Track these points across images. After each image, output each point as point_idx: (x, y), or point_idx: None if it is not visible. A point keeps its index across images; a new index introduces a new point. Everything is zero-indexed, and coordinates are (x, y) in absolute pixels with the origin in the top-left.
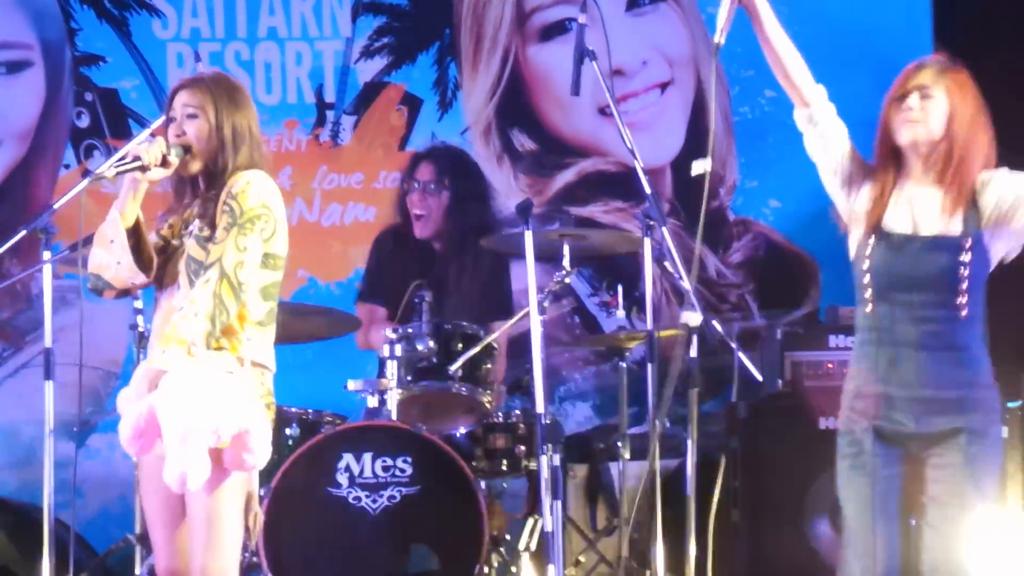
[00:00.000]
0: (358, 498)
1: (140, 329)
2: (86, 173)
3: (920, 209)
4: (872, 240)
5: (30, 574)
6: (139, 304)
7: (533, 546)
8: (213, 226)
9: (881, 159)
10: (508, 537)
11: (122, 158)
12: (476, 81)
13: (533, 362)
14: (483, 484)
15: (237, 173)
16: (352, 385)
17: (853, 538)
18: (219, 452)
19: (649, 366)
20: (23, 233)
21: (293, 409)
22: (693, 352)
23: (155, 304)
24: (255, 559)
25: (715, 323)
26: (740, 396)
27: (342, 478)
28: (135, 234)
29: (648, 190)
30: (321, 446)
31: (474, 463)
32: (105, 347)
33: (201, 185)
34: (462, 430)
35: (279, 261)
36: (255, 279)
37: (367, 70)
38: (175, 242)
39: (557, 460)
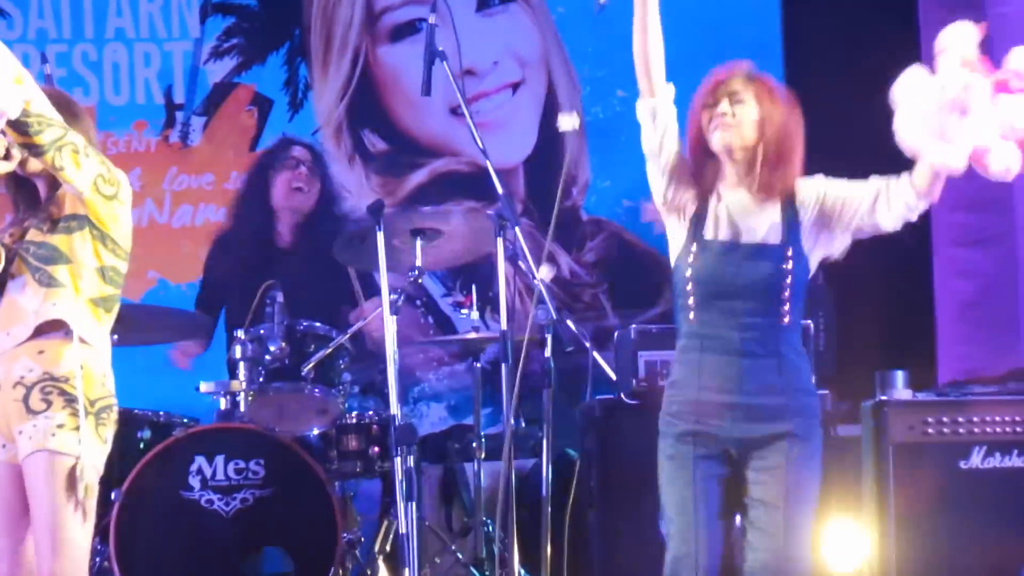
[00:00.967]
0: (211, 501)
1: None
2: None
3: (740, 216)
4: (694, 248)
5: None
6: None
7: (388, 548)
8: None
9: (697, 165)
10: (363, 539)
11: None
12: (327, 82)
13: (387, 363)
14: (337, 486)
15: None
16: (204, 387)
17: (675, 538)
18: None
19: (503, 366)
20: None
21: (144, 412)
22: (547, 352)
23: None
24: (106, 564)
25: (569, 322)
26: (594, 395)
27: (194, 481)
28: None
29: (500, 190)
30: (173, 449)
31: (327, 465)
32: None
33: (41, 192)
34: (315, 431)
35: (121, 250)
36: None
37: (216, 71)
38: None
39: (411, 461)
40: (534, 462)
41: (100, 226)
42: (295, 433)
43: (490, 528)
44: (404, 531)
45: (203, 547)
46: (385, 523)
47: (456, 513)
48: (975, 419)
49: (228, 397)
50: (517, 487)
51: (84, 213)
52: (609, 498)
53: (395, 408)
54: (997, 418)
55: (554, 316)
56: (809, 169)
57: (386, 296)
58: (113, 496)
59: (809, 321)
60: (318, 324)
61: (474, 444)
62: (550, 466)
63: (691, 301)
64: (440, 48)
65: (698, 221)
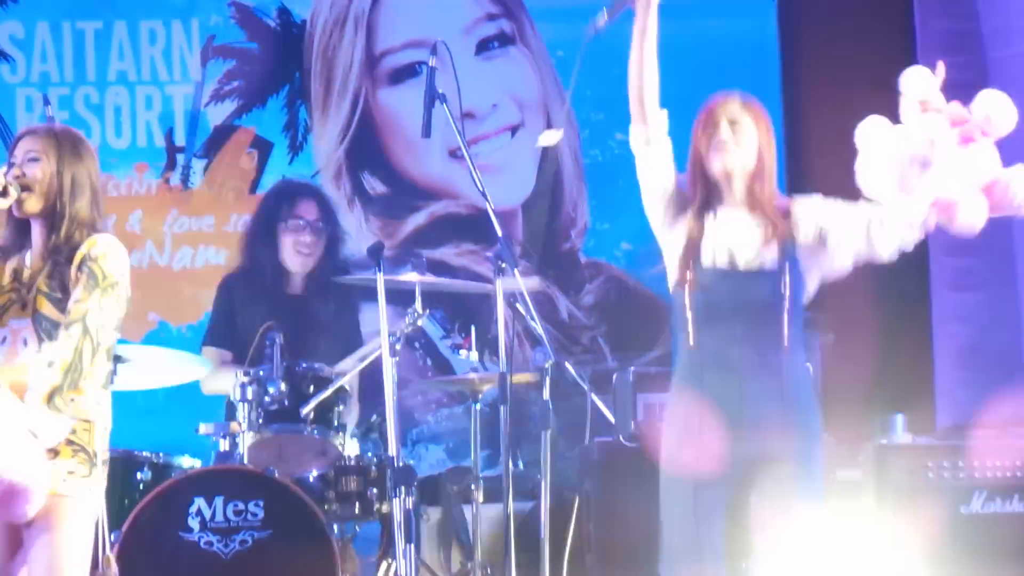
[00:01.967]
0: (210, 543)
1: None
2: None
3: (737, 239)
4: (692, 273)
5: None
6: None
7: None
8: (64, 288)
9: (694, 190)
10: None
11: None
12: (326, 124)
13: (386, 404)
14: (336, 527)
15: (91, 238)
16: (204, 429)
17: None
18: None
19: (502, 408)
20: None
21: (144, 453)
22: (546, 394)
23: None
24: None
25: (568, 365)
26: (592, 437)
27: (194, 522)
28: None
29: (500, 232)
30: (172, 490)
31: (327, 506)
32: None
33: (39, 235)
34: (314, 473)
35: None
36: (109, 342)
37: (217, 113)
38: (10, 294)
39: (410, 503)
40: (532, 504)
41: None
42: (294, 474)
43: (488, 571)
44: (403, 573)
45: None
46: (384, 565)
47: (455, 555)
48: (975, 464)
49: (227, 438)
50: (516, 529)
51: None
52: (607, 541)
53: (394, 450)
54: (998, 463)
55: (553, 358)
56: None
57: (385, 338)
58: (112, 537)
59: (808, 364)
60: (317, 365)
61: (472, 486)
62: (548, 509)
63: (690, 326)
64: (440, 91)
65: (695, 246)
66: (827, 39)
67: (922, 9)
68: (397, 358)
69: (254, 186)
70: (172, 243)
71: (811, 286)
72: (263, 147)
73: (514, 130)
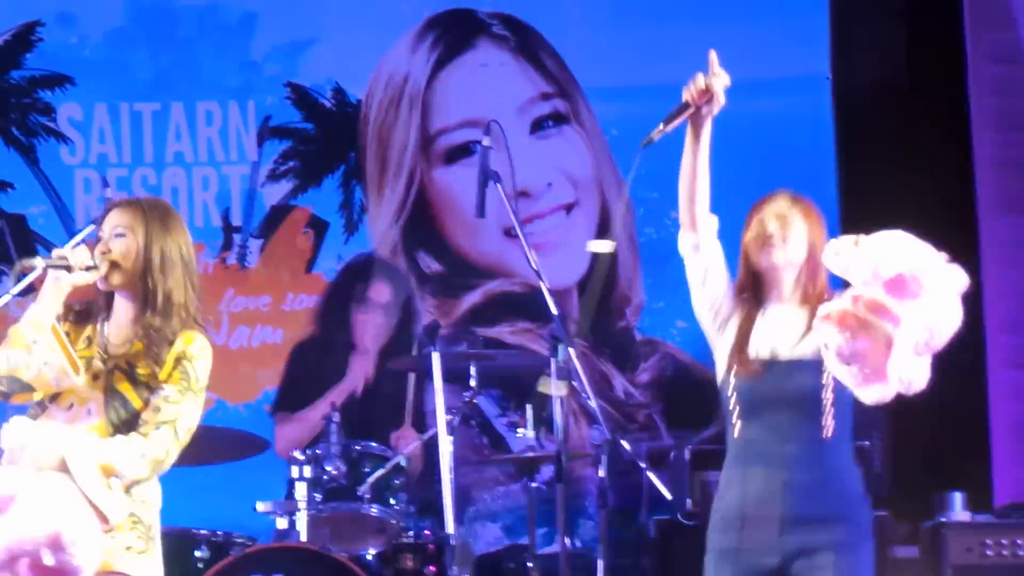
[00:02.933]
0: None
1: None
2: None
3: (781, 332)
4: (738, 365)
5: None
6: None
7: None
8: (153, 373)
9: (743, 285)
10: None
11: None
12: (382, 204)
13: (442, 482)
14: None
15: (189, 333)
16: (261, 507)
17: None
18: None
19: (558, 486)
20: None
21: (202, 531)
22: (602, 472)
23: (38, 408)
24: None
25: (624, 443)
26: (650, 515)
27: None
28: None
29: (555, 311)
30: (231, 568)
31: None
32: None
33: (124, 309)
34: (372, 551)
35: None
36: (188, 441)
37: (273, 193)
38: (95, 362)
39: None
40: None
41: None
42: (352, 552)
43: None
44: None
45: None
46: None
47: None
48: None
49: (286, 516)
50: None
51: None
52: None
53: (451, 527)
54: None
55: (609, 436)
56: None
57: (442, 416)
58: None
59: (866, 442)
60: (374, 444)
61: (529, 564)
62: None
63: (736, 417)
64: (494, 170)
65: (742, 339)
66: (882, 117)
67: (976, 88)
68: (453, 436)
69: (310, 265)
70: (229, 322)
71: None
72: (319, 226)
73: (568, 208)
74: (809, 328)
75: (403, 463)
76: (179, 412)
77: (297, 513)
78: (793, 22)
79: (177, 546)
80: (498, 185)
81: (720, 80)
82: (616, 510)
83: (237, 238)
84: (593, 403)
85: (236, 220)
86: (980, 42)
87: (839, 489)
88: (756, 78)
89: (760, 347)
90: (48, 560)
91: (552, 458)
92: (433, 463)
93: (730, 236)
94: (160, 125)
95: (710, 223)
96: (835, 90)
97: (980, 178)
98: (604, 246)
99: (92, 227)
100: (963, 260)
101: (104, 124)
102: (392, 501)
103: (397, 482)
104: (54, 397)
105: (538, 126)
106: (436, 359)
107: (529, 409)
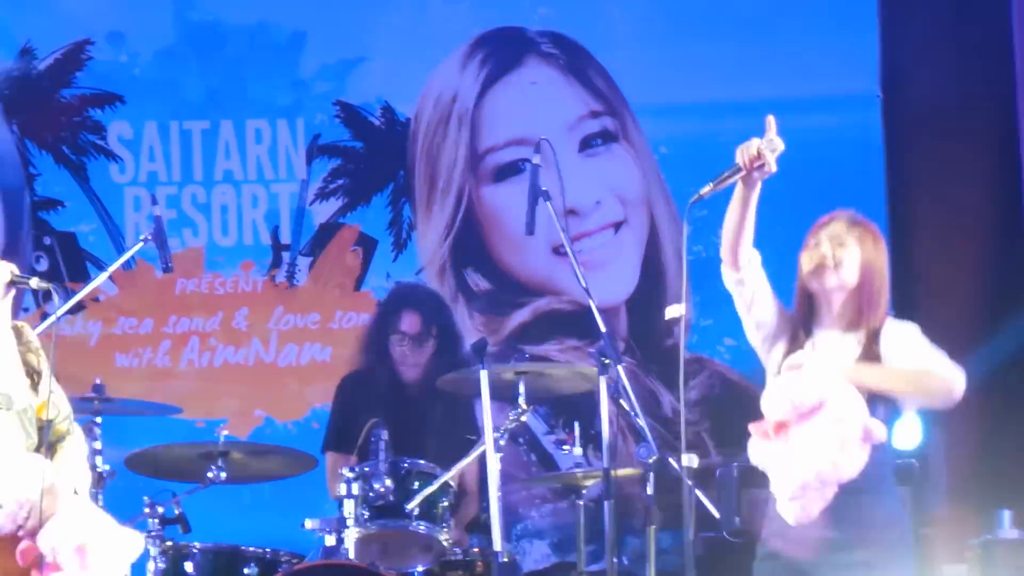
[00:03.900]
0: None
1: (99, 470)
2: (44, 316)
3: (830, 357)
4: None
5: None
6: (98, 445)
7: None
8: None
9: (798, 308)
10: None
11: None
12: (430, 222)
13: (490, 500)
14: None
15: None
16: (309, 524)
17: None
18: None
19: (606, 504)
20: None
21: (251, 548)
22: (650, 490)
23: None
24: None
25: (671, 460)
26: (698, 532)
27: None
28: None
29: (603, 328)
30: None
31: None
32: None
33: None
34: (420, 568)
35: None
36: None
37: (322, 211)
38: None
39: None
40: None
41: None
42: (400, 570)
43: None
44: None
45: None
46: None
47: None
48: None
49: (334, 534)
50: None
51: None
52: None
53: (498, 545)
54: None
55: (657, 454)
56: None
57: (489, 434)
58: None
59: (914, 460)
60: (422, 462)
61: None
62: None
63: None
64: (543, 188)
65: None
66: (932, 134)
67: None
68: (501, 454)
69: (359, 283)
70: (278, 340)
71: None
72: (368, 244)
73: (617, 226)
74: (863, 354)
75: (451, 482)
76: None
77: (345, 530)
78: (843, 40)
79: (226, 563)
80: (547, 203)
81: (774, 148)
82: (663, 528)
83: (286, 256)
84: (641, 421)
85: (285, 238)
86: None
87: (879, 510)
88: (806, 96)
89: None
90: None
91: (599, 476)
92: (481, 481)
93: (781, 255)
94: (209, 143)
95: (753, 259)
96: (885, 108)
97: None
98: (677, 311)
99: (141, 244)
100: (1014, 278)
101: (154, 142)
102: (440, 518)
103: (445, 500)
104: None
105: (587, 144)
106: (484, 377)
107: (577, 427)
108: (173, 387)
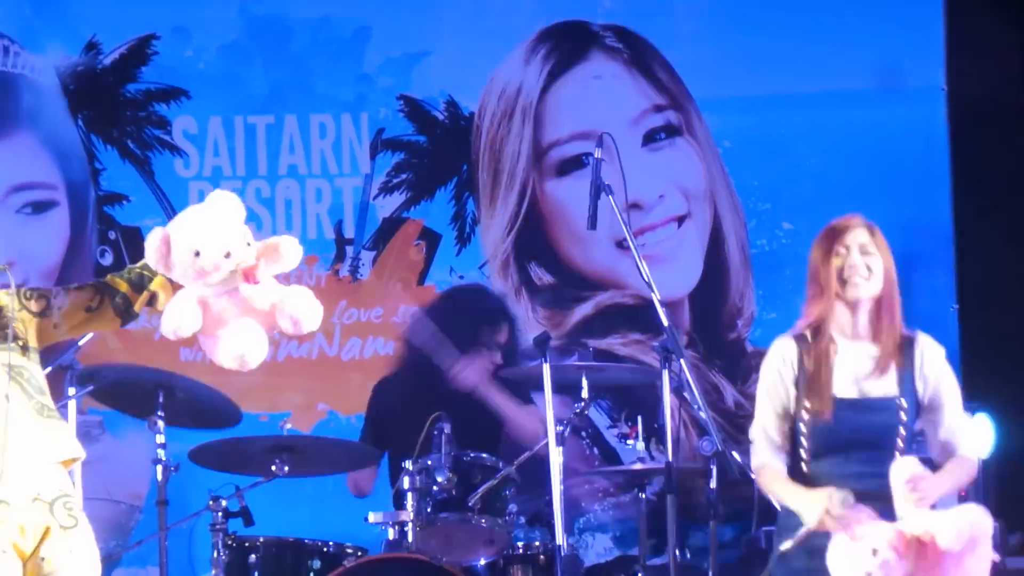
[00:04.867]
0: None
1: (164, 462)
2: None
3: (858, 369)
4: (810, 402)
5: None
6: (161, 439)
7: None
8: None
9: (822, 314)
10: None
11: None
12: (494, 216)
13: (552, 493)
14: None
15: None
16: (373, 517)
17: None
18: None
19: (668, 498)
20: (48, 370)
21: (314, 542)
22: (713, 483)
23: None
24: None
25: (735, 454)
26: (760, 526)
27: None
28: None
29: (666, 322)
30: None
31: None
32: (128, 481)
33: None
34: (482, 561)
35: None
36: None
37: (386, 206)
38: None
39: None
40: None
41: None
42: (462, 563)
43: None
44: None
45: None
46: None
47: None
48: None
49: (396, 527)
50: None
51: None
52: None
53: (561, 538)
54: None
55: (719, 447)
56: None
57: (551, 427)
58: None
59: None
60: (484, 455)
61: (640, 575)
62: None
63: (805, 453)
64: (606, 182)
65: (816, 375)
66: (997, 127)
67: None
68: (563, 447)
69: (422, 278)
70: (341, 334)
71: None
72: (431, 239)
73: (680, 220)
74: (883, 366)
75: (513, 474)
76: None
77: (408, 524)
78: (908, 33)
79: (290, 556)
80: (610, 197)
81: (838, 524)
82: (726, 522)
83: (350, 250)
84: (704, 414)
85: (349, 232)
86: None
87: None
88: (871, 88)
89: (836, 385)
90: None
91: (662, 470)
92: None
93: None
94: (274, 138)
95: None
96: (950, 101)
97: None
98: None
99: None
100: None
101: (219, 136)
102: (502, 511)
103: (507, 493)
104: None
105: (650, 138)
106: (546, 371)
107: (639, 420)
108: (236, 381)
